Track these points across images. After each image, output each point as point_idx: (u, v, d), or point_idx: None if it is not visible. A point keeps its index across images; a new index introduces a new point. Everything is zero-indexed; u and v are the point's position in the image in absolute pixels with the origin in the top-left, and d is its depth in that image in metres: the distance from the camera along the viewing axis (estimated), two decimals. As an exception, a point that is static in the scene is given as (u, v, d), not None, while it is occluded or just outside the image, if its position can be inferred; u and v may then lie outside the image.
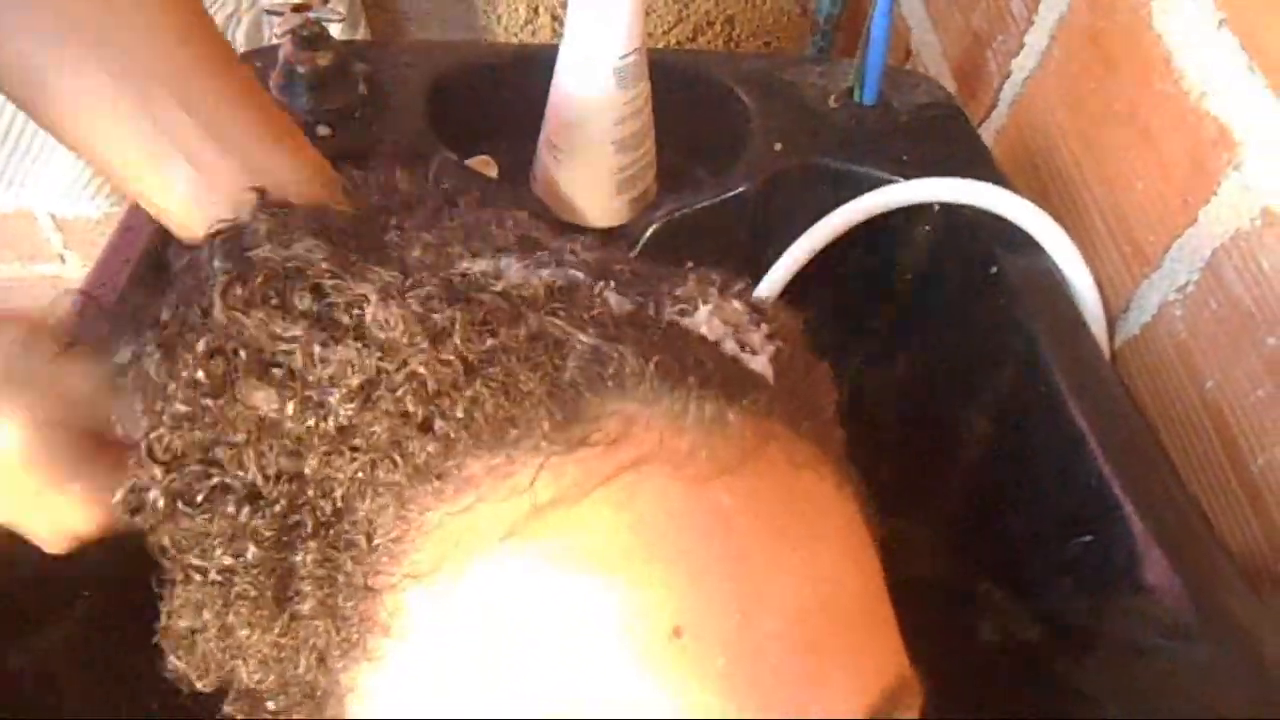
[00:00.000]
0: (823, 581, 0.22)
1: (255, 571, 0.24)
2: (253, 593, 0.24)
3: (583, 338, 0.23)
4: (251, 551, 0.23)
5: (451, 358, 0.22)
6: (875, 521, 0.28)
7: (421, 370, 0.22)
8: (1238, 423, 0.41)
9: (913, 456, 0.51)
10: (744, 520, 0.22)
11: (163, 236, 0.45)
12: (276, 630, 0.24)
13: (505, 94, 0.59)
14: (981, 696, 0.38)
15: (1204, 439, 0.43)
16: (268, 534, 0.23)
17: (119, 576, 0.27)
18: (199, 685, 0.26)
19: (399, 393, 0.22)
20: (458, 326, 0.23)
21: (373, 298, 0.23)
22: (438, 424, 0.22)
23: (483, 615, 0.21)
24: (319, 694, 0.24)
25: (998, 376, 0.47)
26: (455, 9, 0.87)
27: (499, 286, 0.24)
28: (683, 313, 0.25)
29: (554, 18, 0.87)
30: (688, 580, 0.20)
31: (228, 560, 0.24)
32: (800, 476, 0.24)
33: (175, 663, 0.26)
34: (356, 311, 0.23)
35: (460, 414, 0.22)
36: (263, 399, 0.23)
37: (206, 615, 0.24)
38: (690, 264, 0.28)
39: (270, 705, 0.25)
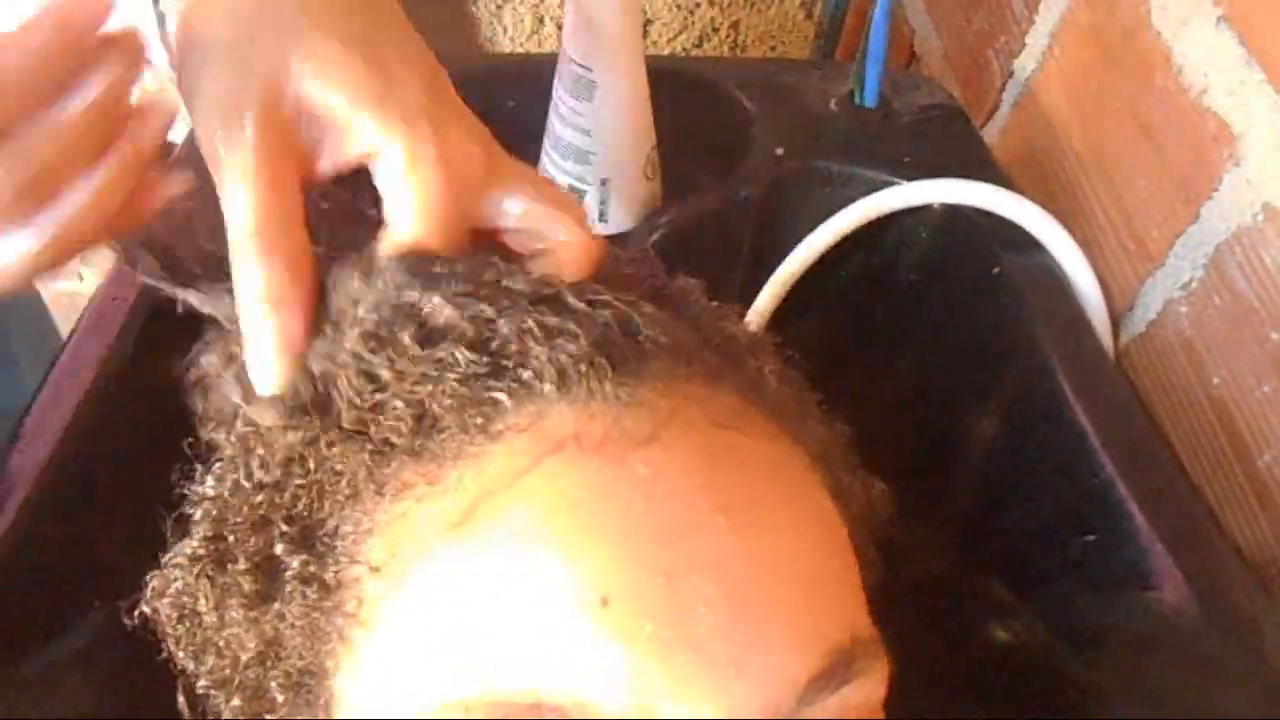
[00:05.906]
0: (754, 538, 0.22)
1: (243, 564, 0.25)
2: (245, 586, 0.25)
3: (478, 356, 0.24)
4: (232, 536, 0.26)
5: (375, 390, 0.25)
6: (857, 489, 0.29)
7: (349, 393, 0.25)
8: (1244, 419, 0.41)
9: (917, 457, 0.51)
10: (662, 487, 0.22)
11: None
12: (267, 621, 0.25)
13: (509, 103, 0.60)
14: (987, 694, 0.38)
15: (1210, 435, 0.43)
16: (252, 516, 0.25)
17: (130, 585, 0.28)
18: (201, 679, 0.27)
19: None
20: (381, 362, 0.25)
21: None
22: (372, 437, 0.24)
23: (433, 604, 0.22)
24: (312, 682, 0.25)
25: (1001, 376, 0.47)
26: (461, 20, 0.87)
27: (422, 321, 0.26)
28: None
29: (560, 27, 0.88)
30: (610, 551, 0.21)
31: (206, 547, 0.26)
32: (722, 435, 0.24)
33: (179, 655, 0.28)
34: None
35: (385, 432, 0.24)
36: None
37: (202, 604, 0.26)
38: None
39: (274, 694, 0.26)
